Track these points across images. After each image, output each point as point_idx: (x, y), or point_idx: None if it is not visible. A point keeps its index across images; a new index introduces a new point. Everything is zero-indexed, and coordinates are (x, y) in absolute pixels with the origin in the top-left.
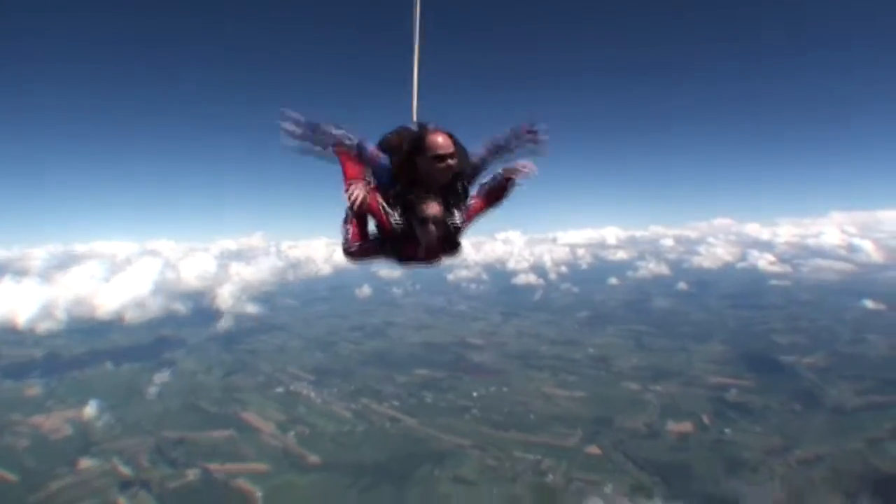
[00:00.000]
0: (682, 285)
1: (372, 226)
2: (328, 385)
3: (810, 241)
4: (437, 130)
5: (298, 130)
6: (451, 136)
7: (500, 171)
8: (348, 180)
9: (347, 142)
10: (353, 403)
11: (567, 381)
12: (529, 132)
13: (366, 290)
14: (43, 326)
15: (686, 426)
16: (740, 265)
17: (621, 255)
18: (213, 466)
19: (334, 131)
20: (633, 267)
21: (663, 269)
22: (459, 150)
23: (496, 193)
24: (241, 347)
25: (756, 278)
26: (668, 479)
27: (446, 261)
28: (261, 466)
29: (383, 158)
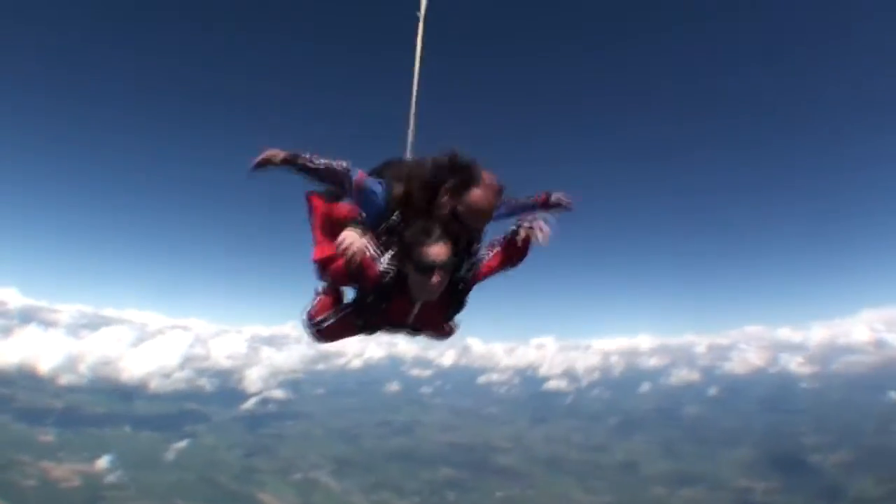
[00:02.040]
0: (713, 391)
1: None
2: (349, 476)
3: (840, 341)
4: (487, 185)
5: (276, 158)
6: (500, 192)
7: (515, 225)
8: (329, 223)
9: (339, 168)
10: (372, 496)
11: (594, 487)
12: (549, 205)
13: (394, 387)
14: (65, 379)
15: None
16: (772, 370)
17: (654, 361)
18: None
19: (318, 161)
20: (665, 374)
21: (695, 376)
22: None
23: (513, 252)
24: (265, 430)
25: (787, 382)
26: None
27: (439, 335)
28: None
29: (372, 185)
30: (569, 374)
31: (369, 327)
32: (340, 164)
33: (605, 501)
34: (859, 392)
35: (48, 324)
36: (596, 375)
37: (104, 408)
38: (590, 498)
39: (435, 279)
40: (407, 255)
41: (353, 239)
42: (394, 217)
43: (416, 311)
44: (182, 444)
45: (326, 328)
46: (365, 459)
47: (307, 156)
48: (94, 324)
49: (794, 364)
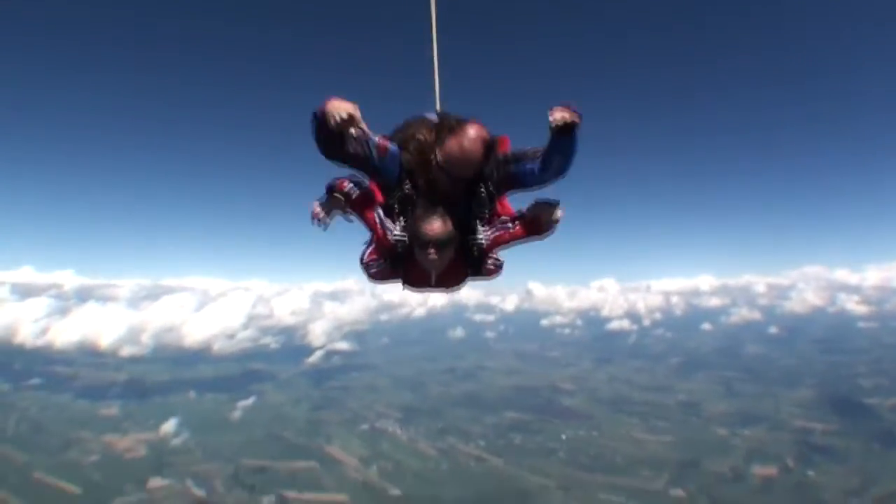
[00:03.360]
0: (773, 330)
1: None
2: (415, 424)
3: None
4: (472, 122)
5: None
6: (488, 145)
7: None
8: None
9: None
10: (439, 442)
11: (656, 427)
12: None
13: (458, 333)
14: (127, 350)
15: (771, 470)
16: (830, 309)
17: (714, 301)
18: (291, 494)
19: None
20: (725, 313)
21: (755, 315)
22: (491, 152)
23: (534, 226)
24: (331, 384)
25: (845, 322)
26: None
27: (485, 277)
28: (340, 497)
29: (392, 150)
30: (631, 315)
31: (406, 282)
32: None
33: (667, 441)
34: None
35: (107, 299)
36: (657, 316)
37: (168, 375)
38: (653, 438)
39: (431, 253)
40: (410, 228)
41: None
42: (406, 186)
43: (434, 275)
44: (248, 401)
45: (374, 273)
46: (430, 407)
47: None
48: (155, 294)
49: (852, 304)
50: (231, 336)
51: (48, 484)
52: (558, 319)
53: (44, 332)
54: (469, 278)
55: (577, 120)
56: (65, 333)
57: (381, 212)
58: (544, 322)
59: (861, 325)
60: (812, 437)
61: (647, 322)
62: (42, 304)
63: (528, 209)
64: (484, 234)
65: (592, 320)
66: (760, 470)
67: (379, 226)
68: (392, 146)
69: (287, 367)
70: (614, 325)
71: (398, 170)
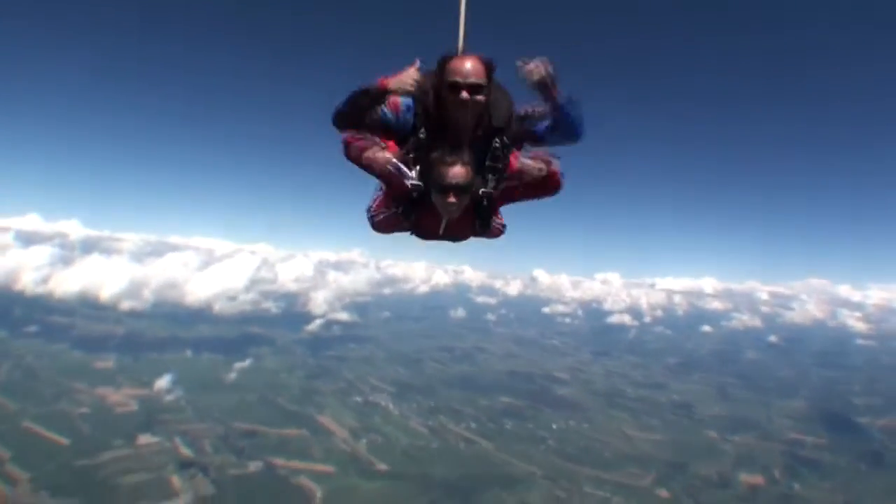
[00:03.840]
0: (773, 338)
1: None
2: (408, 400)
3: None
4: (469, 55)
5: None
6: (488, 65)
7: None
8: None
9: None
10: (430, 420)
11: (648, 424)
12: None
13: (460, 314)
14: (127, 304)
15: (757, 478)
16: (830, 323)
17: (717, 304)
18: (278, 461)
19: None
20: (727, 317)
21: (756, 322)
22: (495, 88)
23: (537, 187)
24: (328, 353)
25: (844, 337)
26: None
27: (486, 236)
28: (327, 468)
29: (404, 105)
30: (632, 311)
31: (415, 231)
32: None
33: (657, 439)
34: None
35: (111, 252)
36: (659, 313)
37: (166, 332)
38: (643, 435)
39: (451, 199)
40: (428, 174)
41: (378, 153)
42: (421, 133)
43: (444, 223)
44: (244, 364)
45: (380, 221)
46: (425, 384)
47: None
48: (160, 251)
49: (852, 320)
50: (233, 297)
51: (37, 433)
52: (560, 308)
53: (45, 280)
54: (475, 234)
55: (547, 77)
56: (66, 283)
57: (394, 159)
58: (546, 310)
59: (859, 342)
60: (801, 450)
61: (647, 319)
62: (45, 252)
63: (533, 161)
64: (492, 184)
65: (594, 312)
66: (747, 478)
67: (395, 171)
68: (404, 101)
69: (286, 333)
70: (615, 318)
71: (413, 119)
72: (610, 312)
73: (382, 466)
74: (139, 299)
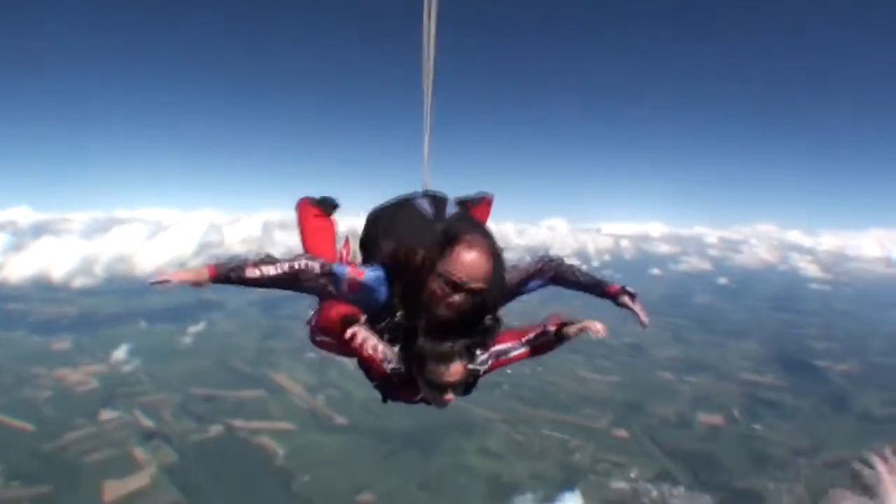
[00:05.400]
0: (723, 280)
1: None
2: None
3: (849, 252)
4: (472, 241)
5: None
6: (491, 251)
7: (553, 324)
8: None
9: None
10: None
11: (602, 366)
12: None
13: None
14: (79, 282)
15: (717, 418)
16: (781, 267)
17: (665, 249)
18: (238, 423)
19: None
20: (675, 261)
21: (706, 265)
22: (495, 281)
23: (545, 348)
24: (281, 312)
25: (796, 281)
26: (694, 469)
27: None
28: (286, 425)
29: (373, 282)
30: (580, 255)
31: (387, 396)
32: (311, 264)
33: (612, 381)
34: (867, 307)
35: (61, 233)
36: (607, 258)
37: (120, 306)
38: (597, 377)
39: (449, 396)
40: (419, 367)
41: (365, 337)
42: (398, 315)
43: (420, 395)
44: (199, 327)
45: (325, 346)
46: None
47: (246, 264)
48: (108, 227)
49: (804, 264)
50: (182, 265)
51: (2, 423)
52: (506, 255)
53: None
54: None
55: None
56: (19, 269)
57: (372, 340)
58: None
59: (813, 286)
60: (759, 391)
61: (595, 263)
62: None
63: (544, 332)
64: (482, 361)
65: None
66: (706, 417)
67: (370, 351)
68: (369, 273)
69: (237, 296)
70: None
71: (386, 295)
72: None
73: (341, 420)
74: (91, 276)
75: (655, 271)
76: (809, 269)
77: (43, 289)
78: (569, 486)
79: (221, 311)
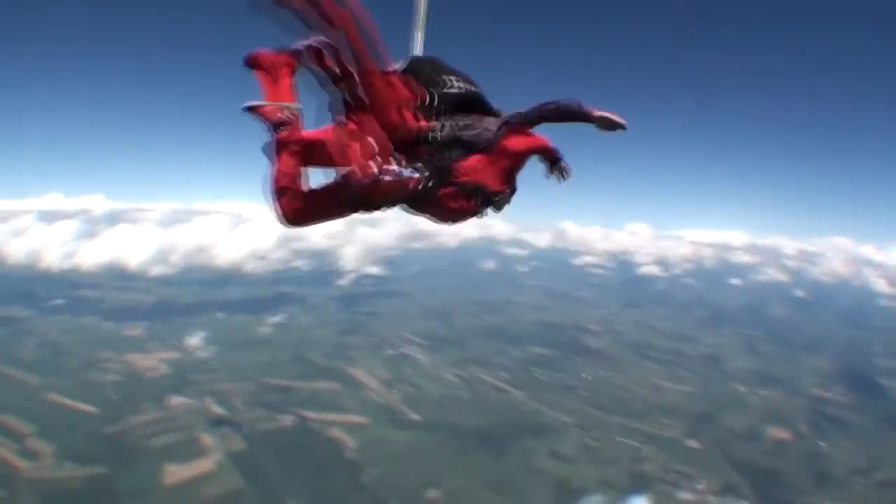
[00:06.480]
0: (799, 293)
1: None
2: (440, 351)
3: None
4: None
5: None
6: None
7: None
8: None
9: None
10: (462, 371)
11: (677, 375)
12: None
13: (490, 266)
14: (156, 271)
15: (785, 433)
16: (854, 282)
17: (745, 258)
18: (311, 414)
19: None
20: (754, 271)
21: (783, 277)
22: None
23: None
24: (360, 309)
25: (866, 297)
26: (759, 484)
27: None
28: (360, 419)
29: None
30: (662, 262)
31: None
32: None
33: (686, 391)
34: None
35: (138, 222)
36: (688, 266)
37: (196, 297)
38: (672, 386)
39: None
40: (443, 175)
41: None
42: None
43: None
44: (276, 319)
45: (304, 211)
46: (456, 337)
47: None
48: (187, 218)
49: (875, 279)
50: (262, 257)
51: (62, 404)
52: (589, 260)
53: (70, 255)
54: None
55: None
56: (92, 256)
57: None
58: (575, 261)
59: (882, 302)
60: (825, 407)
61: (677, 270)
62: (70, 228)
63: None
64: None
65: (623, 264)
66: (775, 432)
67: (396, 171)
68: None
69: (317, 291)
70: (644, 270)
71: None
72: (639, 264)
73: (415, 417)
74: (168, 265)
75: (735, 281)
76: (879, 283)
77: (117, 277)
78: (636, 493)
79: (301, 304)
